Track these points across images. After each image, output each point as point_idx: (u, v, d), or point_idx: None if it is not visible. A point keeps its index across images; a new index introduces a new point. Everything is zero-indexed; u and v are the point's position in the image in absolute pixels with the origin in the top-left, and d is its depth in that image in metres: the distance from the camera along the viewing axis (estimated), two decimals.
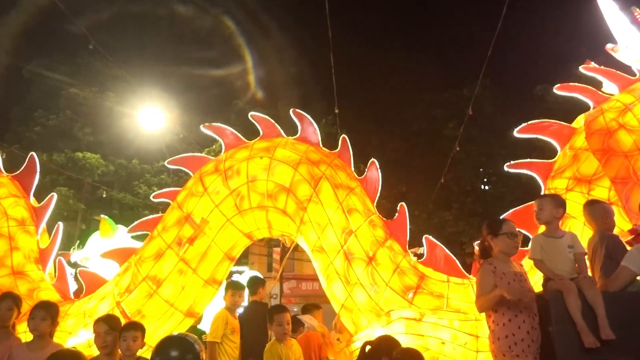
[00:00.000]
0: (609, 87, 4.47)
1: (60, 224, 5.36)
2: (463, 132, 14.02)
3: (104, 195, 20.22)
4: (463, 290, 4.11)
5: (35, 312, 4.04)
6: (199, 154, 5.58)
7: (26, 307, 4.59)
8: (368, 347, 3.27)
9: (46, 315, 4.01)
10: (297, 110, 5.15)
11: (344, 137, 4.99)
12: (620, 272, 3.17)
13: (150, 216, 5.19)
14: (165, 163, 5.42)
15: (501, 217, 4.02)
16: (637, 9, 4.32)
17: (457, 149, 13.67)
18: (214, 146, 19.73)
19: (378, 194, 4.72)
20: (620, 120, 4.07)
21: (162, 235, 4.82)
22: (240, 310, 5.37)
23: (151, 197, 5.50)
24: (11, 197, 5.39)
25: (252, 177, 4.76)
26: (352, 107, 19.17)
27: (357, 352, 4.00)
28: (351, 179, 4.75)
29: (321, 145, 5.02)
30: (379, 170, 4.76)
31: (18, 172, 5.63)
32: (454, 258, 4.32)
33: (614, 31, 4.37)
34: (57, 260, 5.28)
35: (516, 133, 4.62)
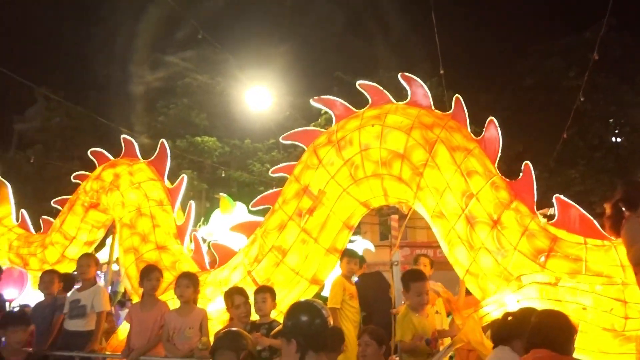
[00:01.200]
0: None
1: (192, 203, 5.85)
2: (587, 80, 12.57)
3: (223, 175, 21.67)
4: (604, 253, 3.74)
5: (180, 281, 4.52)
6: (311, 128, 5.68)
7: (170, 277, 5.13)
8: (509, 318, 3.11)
9: (189, 283, 4.48)
10: (405, 73, 4.98)
11: (457, 97, 4.73)
12: None
13: (271, 191, 5.42)
14: (280, 139, 5.58)
15: None
16: None
17: (582, 99, 12.30)
18: (319, 120, 20.07)
19: (499, 155, 4.45)
20: None
21: (283, 207, 5.02)
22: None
23: (269, 173, 5.74)
24: (149, 180, 6.00)
25: (365, 145, 4.74)
26: (457, 66, 18.17)
27: (487, 318, 3.88)
28: (468, 140, 4.52)
29: (433, 108, 4.84)
30: (498, 128, 4.48)
31: (152, 158, 6.24)
32: (592, 218, 3.95)
33: None
34: (192, 235, 5.80)
35: None
